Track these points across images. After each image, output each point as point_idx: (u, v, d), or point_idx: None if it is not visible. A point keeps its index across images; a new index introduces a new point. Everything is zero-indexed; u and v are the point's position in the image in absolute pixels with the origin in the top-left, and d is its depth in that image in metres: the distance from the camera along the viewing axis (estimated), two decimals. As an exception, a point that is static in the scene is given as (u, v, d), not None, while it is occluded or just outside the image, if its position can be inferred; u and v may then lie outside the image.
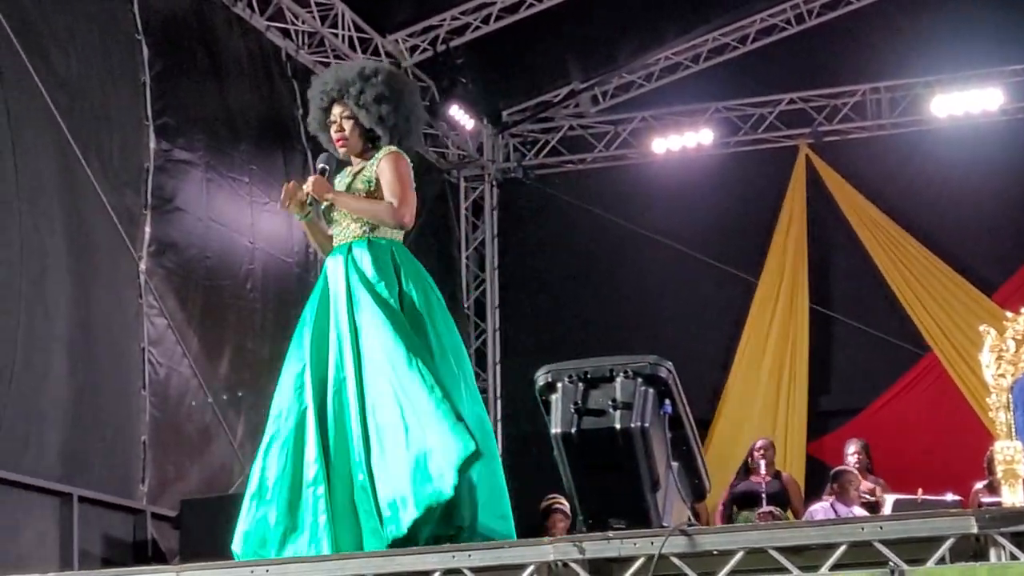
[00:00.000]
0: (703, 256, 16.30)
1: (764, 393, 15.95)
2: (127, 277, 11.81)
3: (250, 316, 13.18)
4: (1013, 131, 15.90)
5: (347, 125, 6.69)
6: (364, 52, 15.27)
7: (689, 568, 5.49)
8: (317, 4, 14.60)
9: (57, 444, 10.81)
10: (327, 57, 14.67)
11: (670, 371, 6.47)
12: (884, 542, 5.33)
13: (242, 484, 8.41)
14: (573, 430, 6.36)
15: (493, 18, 15.88)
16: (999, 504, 8.80)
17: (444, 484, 6.12)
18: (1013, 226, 15.66)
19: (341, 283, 6.54)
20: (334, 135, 6.72)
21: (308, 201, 6.66)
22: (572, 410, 6.38)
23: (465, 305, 17.28)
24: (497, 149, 17.69)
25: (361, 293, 6.47)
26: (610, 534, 5.72)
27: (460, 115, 16.42)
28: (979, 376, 9.31)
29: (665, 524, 6.20)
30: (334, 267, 6.61)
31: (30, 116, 10.85)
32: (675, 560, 5.51)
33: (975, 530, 5.27)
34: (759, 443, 12.52)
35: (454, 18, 15.87)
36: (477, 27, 15.94)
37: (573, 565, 5.60)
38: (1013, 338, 8.09)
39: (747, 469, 12.39)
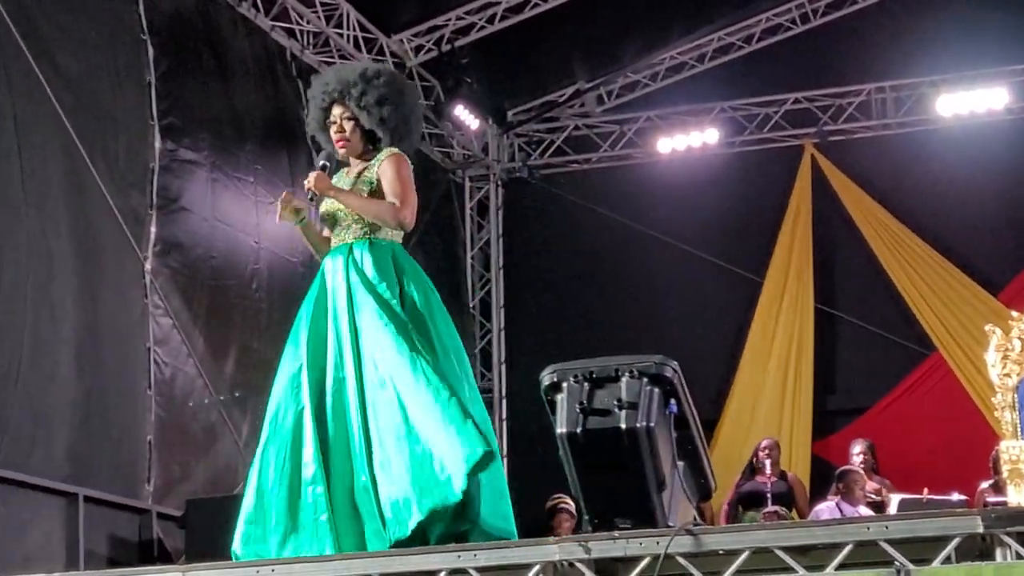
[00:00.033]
0: (708, 256, 16.31)
1: (770, 393, 15.95)
2: (133, 277, 11.82)
3: (256, 316, 13.18)
4: (1018, 130, 15.89)
5: (348, 126, 6.69)
6: (369, 52, 15.28)
7: (695, 568, 5.49)
8: (322, 4, 14.60)
9: (63, 444, 10.82)
10: (332, 57, 14.67)
11: (675, 371, 6.47)
12: (890, 542, 5.34)
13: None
14: (579, 430, 6.35)
15: (498, 18, 15.88)
16: (1005, 503, 8.80)
17: (452, 486, 6.12)
18: (1018, 225, 15.64)
19: (341, 283, 6.54)
20: (334, 136, 6.72)
21: (310, 197, 6.66)
22: (578, 410, 6.38)
23: (470, 305, 17.28)
24: (502, 149, 17.69)
25: (362, 294, 6.48)
26: (616, 534, 5.72)
27: (465, 115, 16.41)
28: (985, 375, 9.33)
29: (671, 524, 6.19)
30: (333, 267, 6.61)
31: (36, 117, 10.85)
32: (681, 560, 5.52)
33: (981, 529, 5.28)
34: (764, 443, 12.51)
35: (459, 18, 15.87)
36: (482, 27, 15.94)
37: (579, 565, 5.61)
38: (1019, 337, 8.10)
39: (752, 469, 12.38)
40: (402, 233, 6.69)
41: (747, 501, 12.22)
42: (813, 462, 15.35)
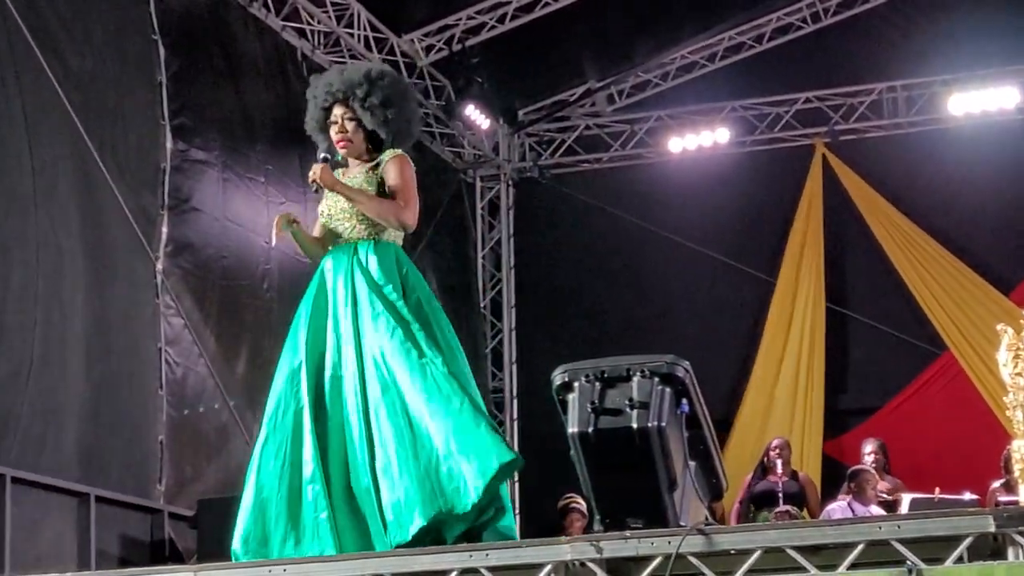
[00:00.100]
0: (719, 255, 16.31)
1: (782, 392, 15.94)
2: (144, 277, 11.83)
3: (267, 316, 13.18)
4: (1030, 130, 15.89)
5: (350, 126, 6.68)
6: (380, 52, 15.29)
7: (706, 567, 5.49)
8: (333, 4, 14.61)
9: (74, 444, 10.83)
10: (343, 57, 14.67)
11: (687, 370, 6.47)
12: (902, 541, 5.33)
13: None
14: (590, 429, 6.35)
15: (509, 17, 15.88)
16: (1016, 503, 8.78)
17: (462, 496, 6.12)
18: (1030, 224, 15.67)
19: (342, 282, 6.54)
20: (335, 136, 6.70)
21: (314, 189, 6.67)
22: (589, 409, 6.37)
23: (481, 305, 17.28)
24: (513, 149, 17.69)
25: (365, 295, 6.47)
26: (627, 533, 5.72)
27: (476, 115, 16.41)
28: (996, 375, 9.30)
29: (682, 523, 6.19)
30: (335, 265, 6.60)
31: (47, 117, 10.87)
32: (692, 559, 5.51)
33: (993, 529, 5.27)
34: (775, 442, 12.49)
35: (470, 17, 15.87)
36: (493, 26, 15.94)
37: (590, 564, 5.60)
38: (1031, 336, 8.07)
39: (764, 468, 12.36)
40: (403, 235, 6.68)
41: (759, 501, 12.20)
42: (824, 462, 15.34)
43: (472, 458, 6.14)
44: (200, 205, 12.59)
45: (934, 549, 5.33)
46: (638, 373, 6.37)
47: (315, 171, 6.61)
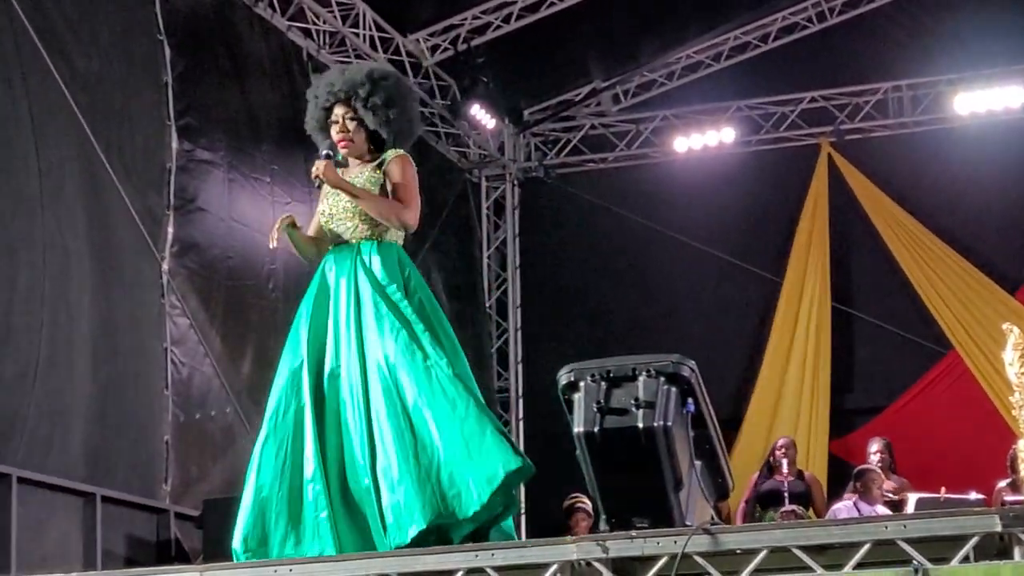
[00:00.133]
0: (724, 255, 16.30)
1: (788, 392, 15.94)
2: (150, 277, 11.84)
3: (272, 316, 13.18)
4: (1036, 129, 15.88)
5: (351, 126, 6.67)
6: (385, 52, 15.29)
7: (712, 567, 5.49)
8: (338, 4, 14.61)
9: (80, 444, 10.84)
10: (348, 57, 14.67)
11: (693, 370, 6.47)
12: (908, 541, 5.33)
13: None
14: (596, 429, 6.35)
15: (514, 17, 15.88)
16: (1022, 502, 8.79)
17: (465, 502, 6.12)
18: (1036, 224, 15.65)
19: (345, 282, 6.53)
20: (336, 135, 6.69)
21: (317, 185, 6.66)
22: (595, 409, 6.37)
23: (487, 305, 17.28)
24: (518, 148, 17.69)
25: (369, 295, 6.46)
26: (633, 533, 5.72)
27: (481, 114, 16.40)
28: (1002, 374, 9.31)
29: (688, 523, 6.19)
30: (337, 265, 6.60)
31: (53, 118, 10.88)
32: (698, 559, 5.51)
33: (999, 528, 5.27)
34: (780, 442, 12.50)
35: (475, 17, 15.87)
36: (498, 26, 15.94)
37: (596, 564, 5.61)
38: (1036, 336, 8.06)
39: (769, 468, 12.37)
40: (403, 235, 6.67)
41: (765, 500, 12.20)
42: (830, 461, 15.33)
43: (477, 465, 6.14)
44: (206, 205, 12.60)
45: (940, 549, 5.32)
46: (644, 373, 6.36)
47: (318, 167, 6.59)
